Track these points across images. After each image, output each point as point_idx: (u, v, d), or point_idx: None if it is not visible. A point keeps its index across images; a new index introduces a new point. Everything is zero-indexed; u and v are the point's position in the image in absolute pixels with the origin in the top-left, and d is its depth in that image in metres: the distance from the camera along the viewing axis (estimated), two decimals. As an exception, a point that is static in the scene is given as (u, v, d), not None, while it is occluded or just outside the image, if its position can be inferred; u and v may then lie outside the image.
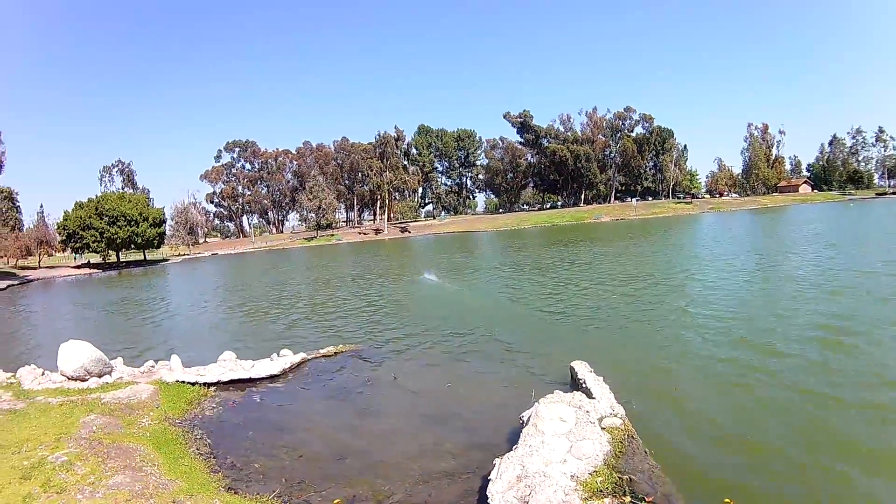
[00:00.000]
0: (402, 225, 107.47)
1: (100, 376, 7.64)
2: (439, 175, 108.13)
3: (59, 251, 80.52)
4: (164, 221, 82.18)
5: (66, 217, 66.62)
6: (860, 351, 7.26)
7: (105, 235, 66.13)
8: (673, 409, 6.03)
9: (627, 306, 12.17)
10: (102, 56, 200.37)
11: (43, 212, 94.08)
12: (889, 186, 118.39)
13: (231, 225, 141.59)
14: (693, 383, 6.86)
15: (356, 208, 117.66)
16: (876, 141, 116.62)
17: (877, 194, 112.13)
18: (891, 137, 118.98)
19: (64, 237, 69.20)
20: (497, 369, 7.99)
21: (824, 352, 7.42)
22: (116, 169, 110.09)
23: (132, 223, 69.79)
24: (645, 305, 12.14)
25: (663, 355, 8.07)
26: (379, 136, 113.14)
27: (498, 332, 10.47)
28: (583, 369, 6.54)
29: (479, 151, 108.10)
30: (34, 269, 66.56)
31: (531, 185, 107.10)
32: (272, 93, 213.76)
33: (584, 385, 6.03)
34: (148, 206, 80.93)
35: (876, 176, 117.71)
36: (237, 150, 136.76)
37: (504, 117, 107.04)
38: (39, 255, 69.36)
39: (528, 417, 4.96)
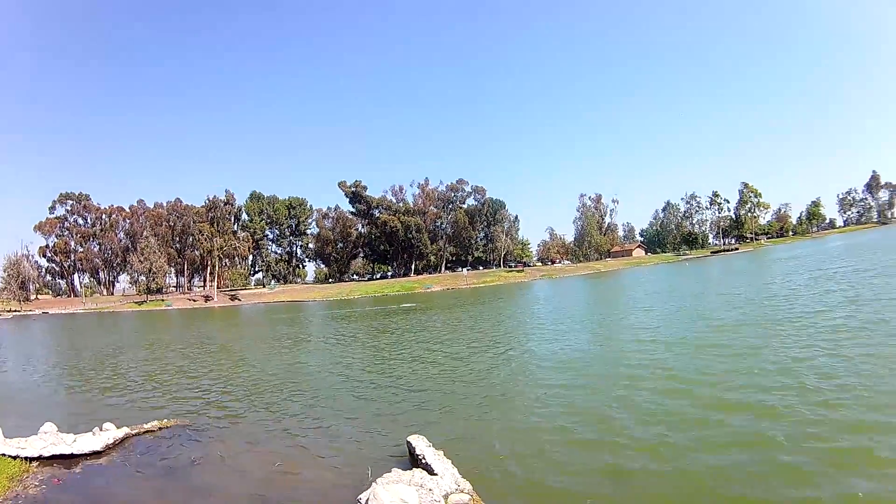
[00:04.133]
0: (232, 293, 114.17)
1: None
2: (270, 243, 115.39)
3: None
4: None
5: None
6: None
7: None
8: (520, 476, 6.60)
9: (459, 375, 13.17)
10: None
11: None
12: (723, 244, 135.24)
13: (62, 283, 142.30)
14: (533, 446, 7.58)
15: (186, 273, 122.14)
16: (711, 204, 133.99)
17: (712, 252, 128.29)
18: (725, 200, 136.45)
19: None
20: (329, 446, 8.32)
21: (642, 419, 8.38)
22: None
23: (-38, 272, 70.16)
24: (477, 373, 13.23)
25: (501, 422, 8.91)
26: (209, 199, 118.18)
27: (328, 407, 10.99)
28: (421, 444, 6.79)
29: (310, 220, 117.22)
30: None
31: (361, 255, 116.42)
32: (112, 144, 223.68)
33: (423, 461, 6.28)
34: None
35: (711, 235, 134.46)
36: (70, 202, 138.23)
37: (339, 186, 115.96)
38: None
39: (366, 500, 5.00)
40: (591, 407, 9.19)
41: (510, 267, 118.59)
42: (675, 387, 9.92)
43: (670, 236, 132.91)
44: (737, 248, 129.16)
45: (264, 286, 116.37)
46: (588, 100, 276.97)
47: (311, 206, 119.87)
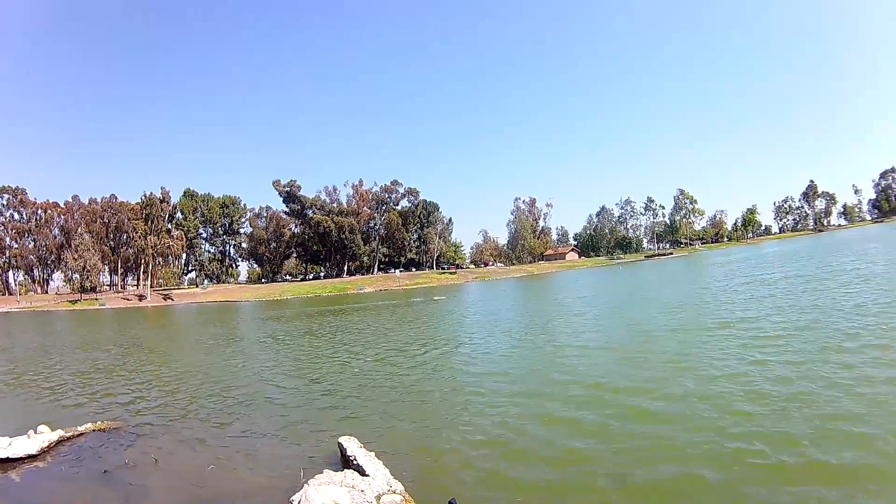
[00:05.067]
0: (165, 292, 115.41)
1: None
2: (203, 241, 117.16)
3: None
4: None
5: None
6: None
7: None
8: (451, 476, 6.85)
9: (390, 377, 13.62)
10: None
11: None
12: (657, 249, 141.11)
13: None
14: (463, 448, 7.84)
15: (120, 272, 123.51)
16: (645, 209, 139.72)
17: (646, 256, 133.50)
18: (660, 206, 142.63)
19: None
20: (261, 447, 8.57)
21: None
22: None
23: None
24: (407, 376, 13.67)
25: (432, 424, 9.22)
26: (145, 196, 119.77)
27: (260, 408, 11.29)
28: (352, 445, 7.07)
29: (243, 219, 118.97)
30: None
31: (294, 255, 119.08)
32: (48, 137, 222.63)
33: (354, 462, 6.55)
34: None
35: (645, 240, 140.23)
36: (7, 196, 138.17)
37: (273, 185, 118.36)
38: None
39: (298, 502, 5.21)
40: (517, 412, 9.50)
41: (443, 269, 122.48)
42: (599, 395, 10.12)
43: (604, 240, 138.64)
44: (671, 253, 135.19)
45: (197, 286, 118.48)
46: (524, 105, 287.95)
47: (244, 204, 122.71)
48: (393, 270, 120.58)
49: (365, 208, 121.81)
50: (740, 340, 13.83)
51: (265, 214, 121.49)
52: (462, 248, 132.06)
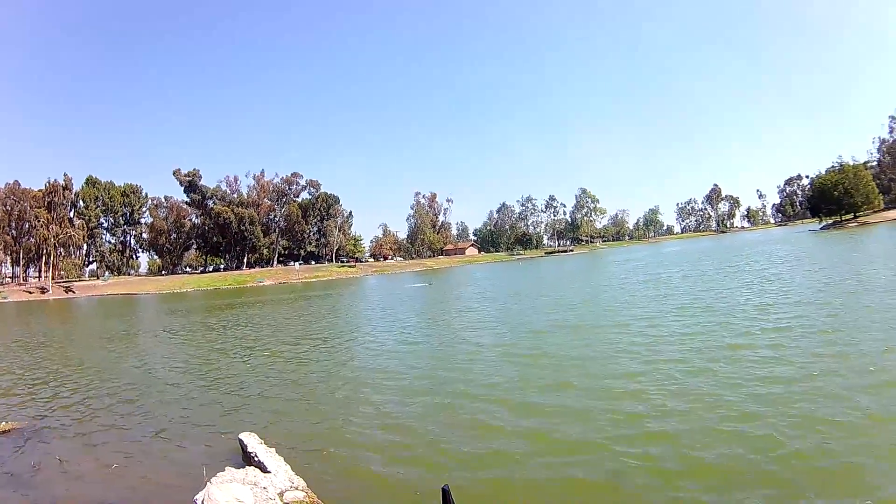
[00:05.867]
0: (67, 284, 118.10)
1: None
2: (104, 231, 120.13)
3: None
4: None
5: None
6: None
7: None
8: (353, 471, 7.01)
9: (290, 373, 13.89)
10: None
11: None
12: (558, 246, 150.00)
13: None
14: (363, 442, 8.07)
15: (22, 263, 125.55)
16: (546, 207, 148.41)
17: (546, 253, 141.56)
18: (562, 204, 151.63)
19: None
20: (164, 446, 8.68)
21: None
22: None
23: None
24: (306, 371, 13.92)
25: (332, 420, 9.37)
26: (49, 183, 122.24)
27: (161, 406, 11.41)
28: (252, 441, 7.20)
29: (144, 209, 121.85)
30: None
31: (195, 246, 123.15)
32: None
33: (256, 459, 6.67)
34: None
35: (545, 237, 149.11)
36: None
37: (173, 174, 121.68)
38: None
39: (202, 500, 5.22)
40: (414, 408, 9.71)
41: (342, 262, 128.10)
42: (491, 396, 10.05)
43: (504, 236, 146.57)
44: (572, 250, 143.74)
45: (98, 277, 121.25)
46: (427, 100, 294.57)
47: (146, 193, 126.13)
48: (292, 263, 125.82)
49: (265, 200, 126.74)
50: (631, 340, 13.64)
51: (166, 204, 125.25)
52: (362, 242, 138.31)
